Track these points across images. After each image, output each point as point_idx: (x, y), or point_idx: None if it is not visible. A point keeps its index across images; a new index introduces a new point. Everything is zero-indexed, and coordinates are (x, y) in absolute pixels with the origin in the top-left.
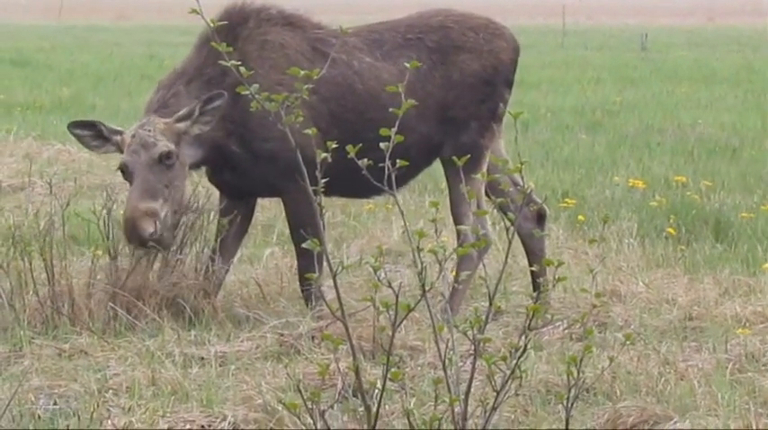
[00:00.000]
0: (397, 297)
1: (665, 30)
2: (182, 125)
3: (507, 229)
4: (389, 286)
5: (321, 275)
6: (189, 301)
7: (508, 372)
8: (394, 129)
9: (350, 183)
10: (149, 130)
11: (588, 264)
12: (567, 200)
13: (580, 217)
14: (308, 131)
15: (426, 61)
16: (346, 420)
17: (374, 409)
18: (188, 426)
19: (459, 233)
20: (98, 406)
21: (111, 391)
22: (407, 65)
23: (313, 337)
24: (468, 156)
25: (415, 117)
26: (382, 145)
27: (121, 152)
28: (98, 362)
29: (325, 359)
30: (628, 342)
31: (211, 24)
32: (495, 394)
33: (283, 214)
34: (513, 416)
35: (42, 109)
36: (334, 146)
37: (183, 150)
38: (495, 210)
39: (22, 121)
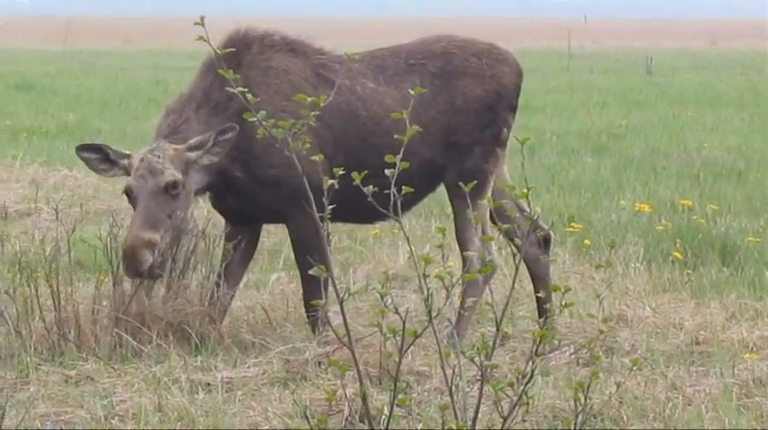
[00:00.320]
0: (404, 323)
1: (669, 53)
2: (193, 154)
3: (514, 256)
4: (396, 312)
5: (327, 301)
6: (195, 327)
7: (515, 398)
8: (399, 156)
9: (354, 208)
10: (158, 156)
11: (595, 289)
12: (573, 224)
13: (586, 241)
14: (315, 158)
15: (430, 87)
16: None
17: None
18: None
19: (464, 259)
20: None
21: (117, 418)
22: (411, 91)
23: (320, 363)
24: (476, 182)
25: (418, 142)
26: (387, 172)
27: (129, 176)
28: (104, 388)
29: (332, 385)
30: (635, 367)
31: (218, 51)
32: (502, 420)
33: (289, 239)
34: None
35: (48, 134)
36: (341, 172)
37: (189, 178)
38: (501, 235)
39: (28, 147)
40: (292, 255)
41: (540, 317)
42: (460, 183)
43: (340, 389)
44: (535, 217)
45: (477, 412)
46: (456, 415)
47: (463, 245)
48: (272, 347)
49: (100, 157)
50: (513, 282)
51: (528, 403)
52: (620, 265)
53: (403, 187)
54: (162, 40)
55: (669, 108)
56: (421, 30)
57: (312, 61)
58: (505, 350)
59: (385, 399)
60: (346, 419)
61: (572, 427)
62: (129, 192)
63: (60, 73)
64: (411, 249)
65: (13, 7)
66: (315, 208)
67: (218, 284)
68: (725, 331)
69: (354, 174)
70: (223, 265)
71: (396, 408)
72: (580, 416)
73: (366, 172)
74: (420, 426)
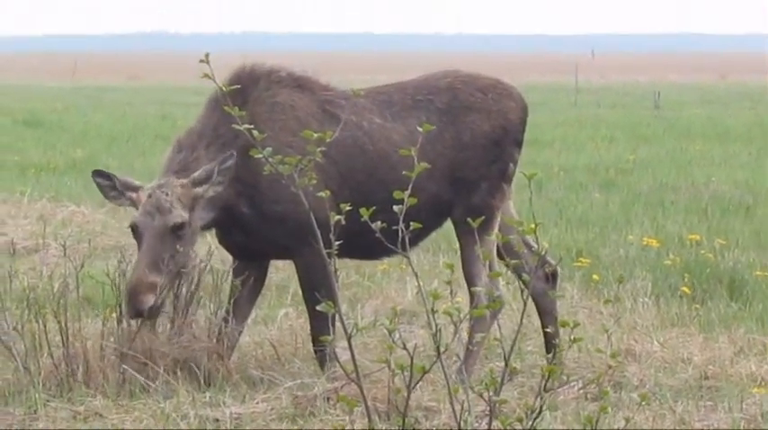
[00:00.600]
0: (412, 358)
1: (677, 87)
2: (200, 189)
3: (522, 291)
4: (404, 347)
5: (335, 336)
6: (203, 363)
7: None
8: (407, 192)
9: (360, 244)
10: (167, 194)
11: (603, 324)
12: (581, 259)
13: (594, 276)
14: (322, 194)
15: (436, 122)
16: None
17: None
18: None
19: (472, 294)
20: None
21: None
22: (419, 127)
23: (328, 399)
24: (483, 218)
25: (425, 178)
26: (396, 208)
27: (135, 207)
28: (113, 424)
29: (341, 420)
30: (643, 402)
31: (224, 88)
32: None
33: (296, 275)
34: None
35: (56, 170)
36: (348, 208)
37: (196, 214)
38: (508, 270)
39: (36, 183)
40: (300, 291)
41: (547, 351)
42: (468, 219)
43: (348, 425)
44: (543, 253)
45: None
46: None
47: (470, 280)
48: (280, 383)
49: (111, 184)
50: (522, 318)
51: None
52: (629, 300)
53: (410, 223)
54: (169, 76)
55: (677, 142)
56: (427, 66)
57: (318, 97)
58: (514, 385)
59: None
60: None
61: None
62: (134, 228)
63: (68, 109)
64: (419, 285)
65: (21, 44)
66: (322, 243)
67: (226, 320)
68: (733, 366)
69: (363, 210)
70: (231, 301)
71: None
72: None
73: (373, 208)
74: None
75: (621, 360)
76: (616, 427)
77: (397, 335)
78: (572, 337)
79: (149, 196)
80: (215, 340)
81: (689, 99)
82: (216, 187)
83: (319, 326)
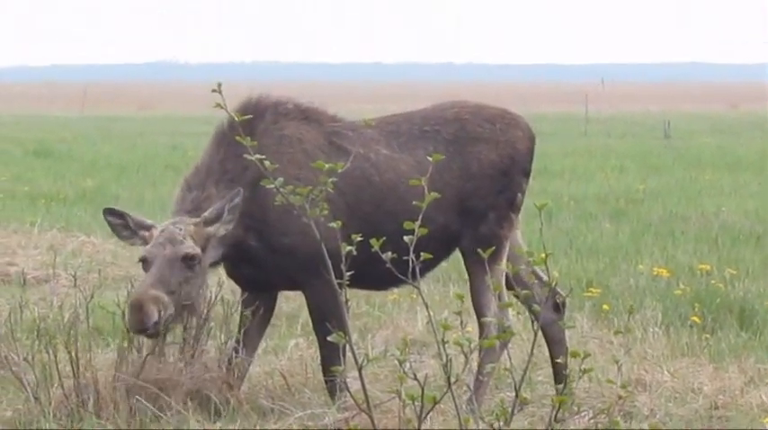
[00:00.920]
0: (422, 389)
1: (687, 116)
2: (211, 229)
3: (533, 322)
4: (415, 378)
5: (345, 366)
6: (213, 393)
7: None
8: (417, 223)
9: (368, 274)
10: (180, 229)
11: (613, 354)
12: (591, 289)
13: (605, 306)
14: (333, 224)
15: (444, 153)
16: None
17: None
18: None
19: (481, 324)
20: None
21: None
22: (429, 158)
23: (339, 429)
24: (493, 248)
25: (433, 208)
26: (406, 238)
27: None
28: None
29: None
30: None
31: (237, 118)
32: None
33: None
34: None
35: (66, 200)
36: (359, 239)
37: (207, 254)
38: (516, 300)
39: (47, 213)
40: (310, 321)
41: (556, 381)
42: (479, 250)
43: None
44: (554, 284)
45: None
46: None
47: (480, 310)
48: (290, 413)
49: (123, 223)
50: (532, 349)
51: None
52: (639, 330)
53: (420, 253)
54: (179, 106)
55: (687, 172)
56: (437, 95)
57: (325, 129)
58: (524, 415)
59: None
60: None
61: None
62: (144, 260)
63: (78, 139)
64: (430, 315)
65: (31, 73)
66: (334, 274)
67: (236, 350)
68: (744, 395)
69: (373, 241)
70: (241, 331)
71: None
72: None
73: (383, 238)
74: None
75: (632, 390)
76: None
77: (408, 366)
78: (582, 368)
79: (162, 231)
80: (225, 370)
81: (699, 128)
82: (226, 225)
83: (329, 356)
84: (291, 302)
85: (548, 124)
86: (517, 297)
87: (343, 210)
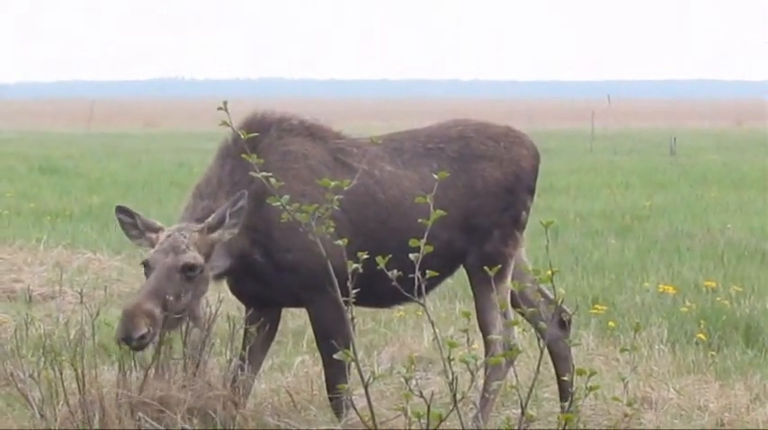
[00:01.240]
0: (428, 406)
1: (693, 133)
2: (215, 235)
3: (539, 340)
4: (421, 395)
5: (351, 383)
6: (218, 410)
7: None
8: (423, 240)
9: (372, 292)
10: (185, 236)
11: (619, 372)
12: (597, 306)
13: (611, 323)
14: (340, 242)
15: (448, 170)
16: None
17: None
18: None
19: (486, 342)
20: None
21: None
22: (435, 175)
23: None
24: (499, 266)
25: (438, 226)
26: (412, 255)
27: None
28: None
29: None
30: None
31: (243, 135)
32: None
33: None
34: None
35: (72, 217)
36: (365, 256)
37: (212, 262)
38: (522, 317)
39: (52, 230)
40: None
41: (562, 398)
42: (485, 268)
43: None
44: (560, 301)
45: None
46: None
47: (485, 328)
48: None
49: (133, 223)
50: (539, 366)
51: None
52: (645, 347)
53: (424, 271)
54: (184, 122)
55: (693, 189)
56: (443, 112)
57: (330, 146)
58: None
59: None
60: None
61: None
62: (147, 265)
63: (84, 155)
64: (436, 332)
65: (37, 90)
66: (339, 291)
67: (241, 367)
68: (750, 413)
69: (379, 259)
70: (246, 348)
71: None
72: None
73: (387, 256)
74: None
75: (638, 407)
76: None
77: (414, 383)
78: (588, 385)
79: (168, 236)
80: (230, 387)
81: (705, 145)
82: (231, 230)
83: (335, 373)
84: (297, 319)
85: (554, 141)
86: (522, 314)
87: (347, 227)
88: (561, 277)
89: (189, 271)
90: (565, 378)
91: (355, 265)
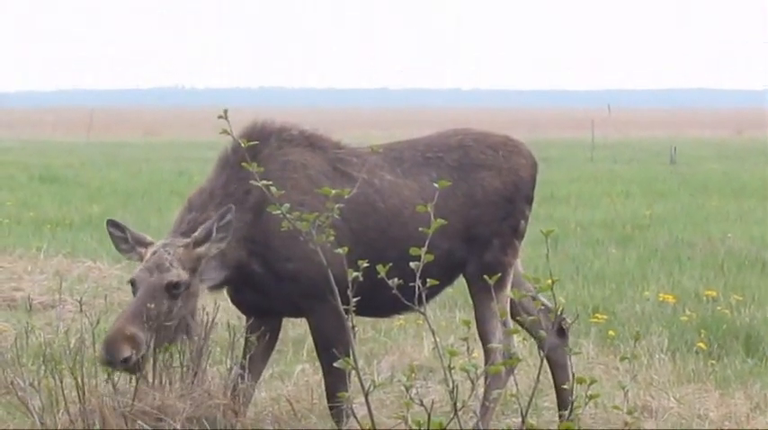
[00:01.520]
0: (429, 415)
1: (693, 142)
2: (201, 249)
3: (540, 349)
4: (421, 404)
5: (351, 392)
6: (218, 419)
7: None
8: (424, 249)
9: (372, 301)
10: (169, 253)
11: (619, 380)
12: (597, 315)
13: (611, 332)
14: (340, 250)
15: (447, 180)
16: None
17: None
18: None
19: (486, 351)
20: None
21: None
22: (435, 184)
23: None
24: (499, 275)
25: (437, 235)
26: (413, 264)
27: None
28: None
29: None
30: None
31: (243, 144)
32: None
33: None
34: None
35: (72, 226)
36: (366, 265)
37: (202, 274)
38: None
39: (52, 238)
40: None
41: (560, 406)
42: (486, 277)
43: None
44: (560, 310)
45: None
46: None
47: (485, 337)
48: None
49: (123, 237)
50: (539, 375)
51: None
52: (645, 356)
53: (424, 280)
54: (185, 131)
55: (693, 198)
56: (443, 122)
57: (330, 155)
58: None
59: None
60: None
61: None
62: (133, 283)
63: (84, 164)
64: (436, 341)
65: (36, 99)
66: (339, 300)
67: (241, 376)
68: (750, 421)
69: (379, 267)
70: (246, 357)
71: None
72: None
73: (387, 265)
74: None
75: (638, 416)
76: None
77: (414, 391)
78: (588, 393)
79: (153, 253)
80: (230, 396)
81: (705, 154)
82: (218, 244)
83: (334, 382)
84: (298, 328)
85: (554, 150)
86: (521, 324)
87: (347, 236)
88: (561, 286)
89: (173, 289)
90: (564, 386)
91: (356, 274)
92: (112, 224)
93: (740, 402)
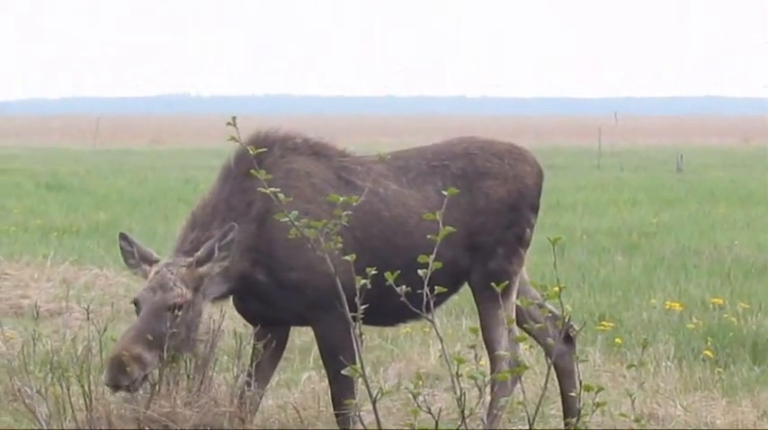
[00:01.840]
0: (436, 422)
1: (700, 150)
2: (204, 269)
3: (547, 357)
4: (428, 411)
5: (358, 400)
6: (225, 426)
7: None
8: (432, 257)
9: (377, 310)
10: (172, 273)
11: (626, 388)
12: (603, 323)
13: (617, 340)
14: (348, 257)
15: (453, 188)
16: None
17: None
18: None
19: (492, 359)
20: None
21: None
22: (442, 193)
23: None
24: (506, 283)
25: (442, 244)
26: (420, 272)
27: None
28: None
29: None
30: None
31: (251, 152)
32: None
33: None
34: None
35: (79, 233)
36: (374, 272)
37: (205, 290)
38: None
39: (59, 246)
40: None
41: (566, 414)
42: (492, 284)
43: None
44: (567, 318)
45: None
46: None
47: (490, 345)
48: None
49: (131, 251)
50: (546, 383)
51: None
52: (652, 364)
53: (431, 288)
54: (191, 139)
55: (700, 206)
56: (451, 129)
57: (334, 164)
58: None
59: None
60: None
61: None
62: (136, 303)
63: (90, 172)
64: (443, 348)
65: (43, 106)
66: (346, 308)
67: (248, 384)
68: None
69: (387, 274)
70: (253, 364)
71: None
72: None
73: (393, 273)
74: None
75: (645, 424)
76: None
77: (421, 399)
78: (595, 401)
79: (156, 273)
80: (237, 404)
81: (712, 162)
82: (220, 263)
83: (341, 390)
84: (304, 336)
85: (561, 157)
86: (528, 331)
87: (352, 245)
88: (568, 294)
89: (177, 310)
90: (571, 394)
91: (364, 281)
92: (123, 238)
93: (747, 410)
